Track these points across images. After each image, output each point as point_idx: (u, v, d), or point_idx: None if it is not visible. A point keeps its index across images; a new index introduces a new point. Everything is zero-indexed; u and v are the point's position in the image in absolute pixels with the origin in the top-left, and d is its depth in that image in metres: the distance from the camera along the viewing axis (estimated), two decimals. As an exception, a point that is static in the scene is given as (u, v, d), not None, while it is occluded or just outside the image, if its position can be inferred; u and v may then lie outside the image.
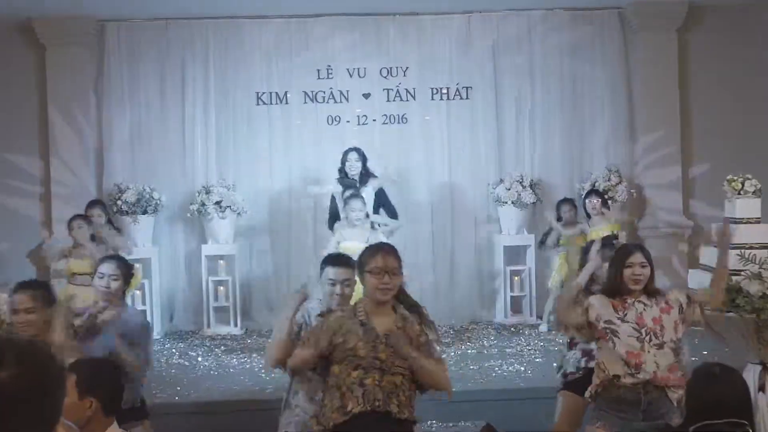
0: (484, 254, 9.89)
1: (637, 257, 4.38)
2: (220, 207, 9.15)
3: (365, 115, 9.83)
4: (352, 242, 7.11)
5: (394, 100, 9.84)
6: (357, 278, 4.04)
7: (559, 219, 8.67)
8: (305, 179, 9.56)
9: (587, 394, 4.45)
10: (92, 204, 8.45)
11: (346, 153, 8.33)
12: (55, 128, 9.54)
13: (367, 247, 4.00)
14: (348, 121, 9.81)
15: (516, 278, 9.56)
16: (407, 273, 4.13)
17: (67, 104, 9.53)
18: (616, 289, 4.39)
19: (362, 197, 7.67)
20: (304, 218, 9.69)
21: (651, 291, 4.39)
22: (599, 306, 4.35)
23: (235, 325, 9.25)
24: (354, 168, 8.17)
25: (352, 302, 4.10)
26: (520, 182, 9.50)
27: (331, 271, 4.31)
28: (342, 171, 8.32)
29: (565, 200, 8.86)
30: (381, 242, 4.38)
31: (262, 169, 9.81)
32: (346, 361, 3.66)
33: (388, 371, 3.66)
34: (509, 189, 9.47)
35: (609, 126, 9.90)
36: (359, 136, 9.50)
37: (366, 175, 8.28)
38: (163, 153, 9.71)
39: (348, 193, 7.78)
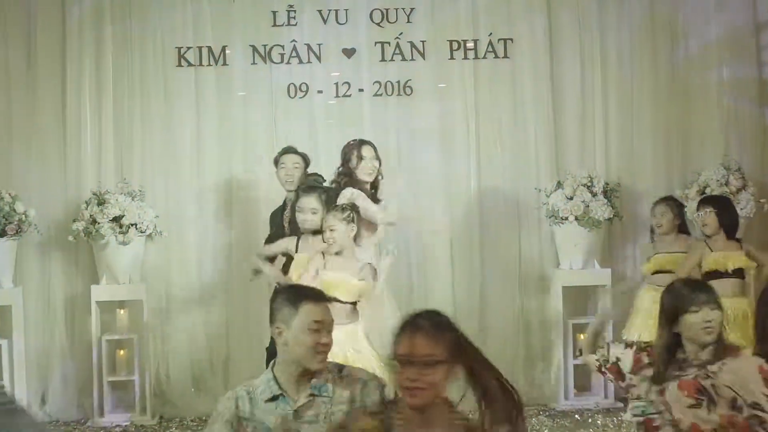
0: (532, 298, 8.63)
1: None
2: (121, 225, 7.97)
3: (347, 83, 8.53)
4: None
5: (392, 60, 8.55)
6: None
7: (651, 231, 7.88)
8: (253, 181, 8.39)
9: None
10: None
11: (358, 146, 7.36)
12: None
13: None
14: (320, 92, 8.53)
15: (582, 336, 8.62)
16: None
17: None
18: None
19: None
20: (251, 241, 8.51)
21: None
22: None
23: (144, 411, 8.04)
24: (372, 170, 7.29)
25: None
26: (589, 187, 8.16)
27: (313, 311, 3.58)
28: (345, 171, 7.39)
29: (663, 200, 7.99)
30: (412, 318, 3.15)
31: (187, 165, 8.49)
32: None
33: None
34: (572, 198, 8.13)
35: (728, 100, 8.60)
36: (338, 115, 8.45)
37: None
38: (30, 143, 8.43)
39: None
